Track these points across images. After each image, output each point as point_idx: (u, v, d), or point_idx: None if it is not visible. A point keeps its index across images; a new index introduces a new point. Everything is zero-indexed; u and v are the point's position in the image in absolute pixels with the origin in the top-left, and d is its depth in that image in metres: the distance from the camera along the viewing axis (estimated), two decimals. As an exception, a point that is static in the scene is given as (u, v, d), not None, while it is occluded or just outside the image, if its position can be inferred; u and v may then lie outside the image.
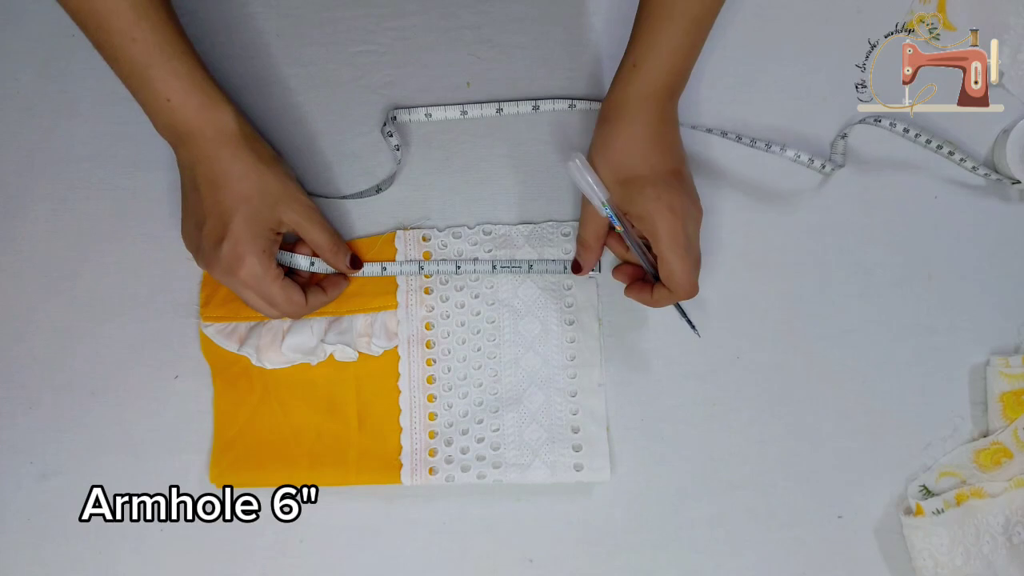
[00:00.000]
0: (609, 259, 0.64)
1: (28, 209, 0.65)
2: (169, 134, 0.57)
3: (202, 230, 0.56)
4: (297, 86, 0.65)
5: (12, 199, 0.65)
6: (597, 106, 0.64)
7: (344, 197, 0.63)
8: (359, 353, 0.62)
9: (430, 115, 0.64)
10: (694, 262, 0.56)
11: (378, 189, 0.63)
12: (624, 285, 0.61)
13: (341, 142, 0.65)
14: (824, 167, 0.63)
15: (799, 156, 0.63)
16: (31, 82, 0.66)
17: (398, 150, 0.63)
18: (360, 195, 0.63)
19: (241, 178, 0.56)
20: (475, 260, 0.62)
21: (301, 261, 0.60)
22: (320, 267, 0.61)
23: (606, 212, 0.57)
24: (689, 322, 0.61)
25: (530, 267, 0.62)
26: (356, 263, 0.61)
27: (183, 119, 0.56)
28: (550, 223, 0.63)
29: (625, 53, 0.57)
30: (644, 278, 0.60)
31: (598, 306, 0.63)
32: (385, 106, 0.64)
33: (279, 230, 0.58)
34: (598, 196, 0.57)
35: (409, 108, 0.64)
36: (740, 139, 0.63)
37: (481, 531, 0.62)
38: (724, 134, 0.63)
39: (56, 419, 0.63)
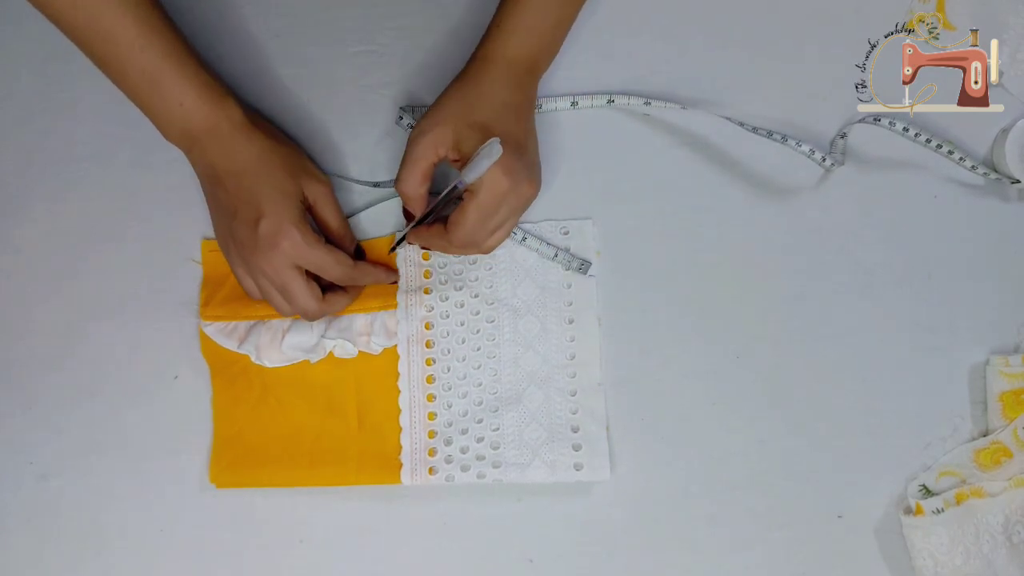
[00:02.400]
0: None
1: (28, 209, 0.65)
2: (182, 138, 0.57)
3: (236, 218, 0.56)
4: (297, 86, 0.65)
5: (12, 199, 0.65)
6: (601, 103, 0.64)
7: (360, 182, 0.63)
8: (359, 351, 0.62)
9: None
10: (489, 229, 0.57)
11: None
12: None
13: (341, 142, 0.65)
14: (824, 160, 0.63)
15: (813, 152, 0.62)
16: (31, 82, 0.66)
17: None
18: (378, 184, 0.63)
19: (260, 159, 0.57)
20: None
21: None
22: None
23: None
24: (402, 240, 0.61)
25: (524, 238, 0.63)
26: (360, 253, 0.62)
27: (198, 120, 0.56)
28: (548, 222, 0.63)
29: (494, 14, 0.58)
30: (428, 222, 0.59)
31: (598, 305, 0.63)
32: (385, 106, 0.64)
33: (305, 203, 0.58)
34: (474, 176, 0.54)
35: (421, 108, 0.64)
36: (756, 130, 0.62)
37: (481, 531, 0.62)
38: (742, 124, 0.63)
39: (56, 419, 0.63)
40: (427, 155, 0.56)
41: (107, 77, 0.56)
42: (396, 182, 0.57)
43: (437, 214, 0.58)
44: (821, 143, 0.64)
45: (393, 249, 0.62)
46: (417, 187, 0.57)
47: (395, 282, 0.63)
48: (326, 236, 0.60)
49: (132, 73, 0.55)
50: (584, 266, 0.62)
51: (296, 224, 0.56)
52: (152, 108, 0.56)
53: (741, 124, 0.63)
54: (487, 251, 0.59)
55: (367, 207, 0.64)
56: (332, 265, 0.57)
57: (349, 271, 0.58)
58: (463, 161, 0.55)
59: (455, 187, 0.55)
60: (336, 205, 0.60)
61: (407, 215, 0.61)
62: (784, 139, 0.63)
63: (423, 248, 0.63)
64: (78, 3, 0.53)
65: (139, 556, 0.62)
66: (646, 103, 0.63)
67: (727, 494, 0.62)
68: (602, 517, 0.62)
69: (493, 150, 0.52)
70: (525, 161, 0.57)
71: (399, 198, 0.60)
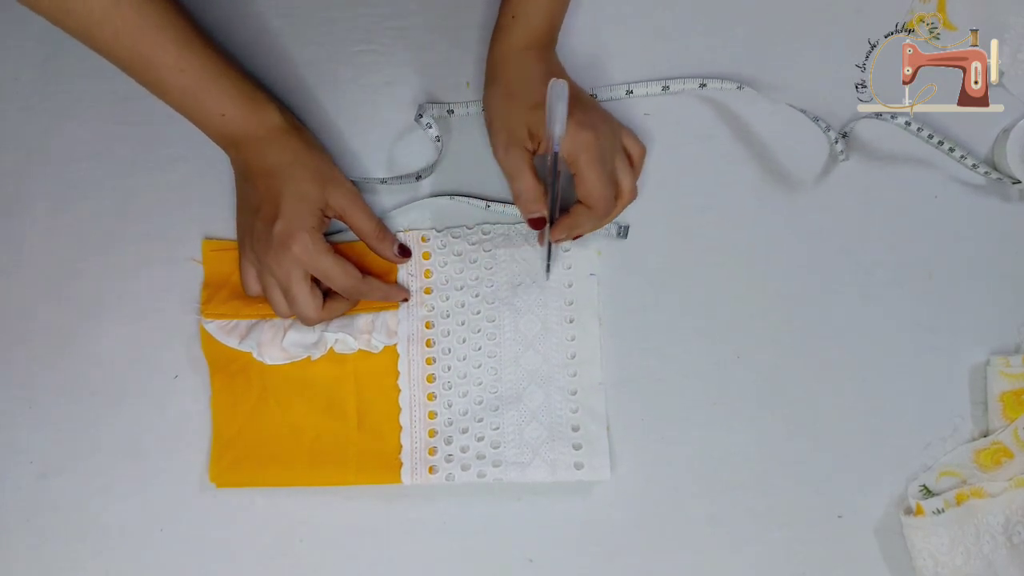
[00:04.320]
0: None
1: (28, 209, 0.65)
2: (223, 141, 0.60)
3: (258, 214, 0.58)
4: (297, 86, 0.65)
5: (12, 199, 0.65)
6: (621, 94, 0.64)
7: (384, 181, 0.63)
8: (359, 349, 0.62)
9: (452, 111, 0.64)
10: (608, 176, 0.57)
11: (418, 176, 0.63)
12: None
13: (341, 142, 0.65)
14: (837, 141, 0.63)
15: (836, 141, 0.63)
16: (31, 82, 0.66)
17: (438, 140, 0.63)
18: (400, 179, 0.63)
19: (291, 164, 0.59)
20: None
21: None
22: None
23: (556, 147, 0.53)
24: (548, 266, 0.62)
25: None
26: (405, 251, 0.62)
27: (236, 127, 0.59)
28: None
29: (501, 8, 0.60)
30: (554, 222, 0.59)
31: (598, 304, 0.63)
32: (385, 106, 0.65)
33: (327, 213, 0.59)
34: (560, 124, 0.52)
35: (441, 103, 0.64)
36: (805, 112, 0.63)
37: (481, 531, 0.62)
38: (795, 107, 0.63)
39: (56, 419, 0.63)
40: (522, 157, 0.57)
41: (153, 95, 0.59)
42: (516, 200, 0.58)
43: (558, 203, 0.58)
44: (821, 142, 0.64)
45: (548, 268, 0.62)
46: (535, 188, 0.57)
47: (405, 299, 0.63)
48: (362, 240, 0.61)
49: (174, 92, 0.58)
50: (623, 231, 0.63)
51: (309, 230, 0.57)
52: (196, 120, 0.59)
53: (794, 107, 0.63)
54: (634, 195, 0.59)
55: (395, 208, 0.64)
56: (339, 276, 0.58)
57: (356, 284, 0.59)
58: (542, 137, 0.57)
59: (555, 155, 0.53)
60: (366, 211, 0.61)
61: (536, 224, 0.59)
62: (828, 128, 0.63)
63: (575, 239, 0.61)
64: (120, 33, 0.55)
65: (139, 556, 0.62)
66: (701, 85, 0.64)
67: (727, 494, 0.62)
68: (602, 517, 0.62)
69: (555, 90, 0.50)
70: (586, 107, 0.58)
71: (394, 199, 0.62)
